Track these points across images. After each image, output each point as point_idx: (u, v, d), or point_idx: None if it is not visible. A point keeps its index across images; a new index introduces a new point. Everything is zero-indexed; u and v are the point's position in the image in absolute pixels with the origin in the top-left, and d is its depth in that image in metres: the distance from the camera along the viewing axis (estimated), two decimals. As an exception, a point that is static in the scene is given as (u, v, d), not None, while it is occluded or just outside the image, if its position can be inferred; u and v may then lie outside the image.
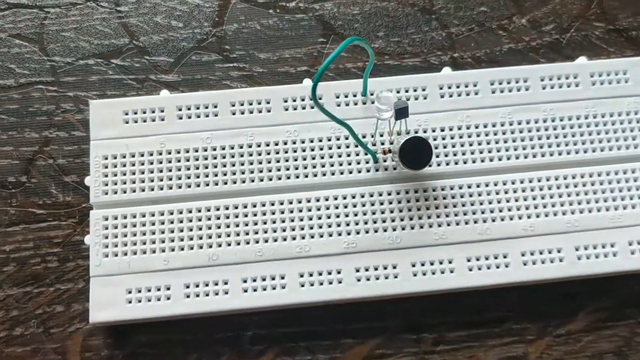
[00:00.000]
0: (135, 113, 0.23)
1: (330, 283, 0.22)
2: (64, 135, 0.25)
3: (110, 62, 0.25)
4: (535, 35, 0.26)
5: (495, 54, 0.26)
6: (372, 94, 0.24)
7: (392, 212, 0.23)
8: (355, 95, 0.24)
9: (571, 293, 0.23)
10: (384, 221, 0.23)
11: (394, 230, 0.22)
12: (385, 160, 0.23)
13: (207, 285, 0.22)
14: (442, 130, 0.23)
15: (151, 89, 0.25)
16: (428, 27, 0.26)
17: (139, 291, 0.22)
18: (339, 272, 0.22)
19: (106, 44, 0.26)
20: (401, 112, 0.21)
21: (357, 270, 0.22)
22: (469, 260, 0.22)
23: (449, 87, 0.24)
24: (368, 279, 0.22)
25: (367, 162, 0.23)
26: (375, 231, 0.22)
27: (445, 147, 0.23)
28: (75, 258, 0.23)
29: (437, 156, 0.23)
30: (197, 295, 0.22)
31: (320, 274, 0.22)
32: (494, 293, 0.23)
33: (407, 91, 0.24)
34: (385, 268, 0.22)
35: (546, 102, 0.24)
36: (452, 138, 0.23)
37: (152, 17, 0.26)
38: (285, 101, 0.24)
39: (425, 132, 0.23)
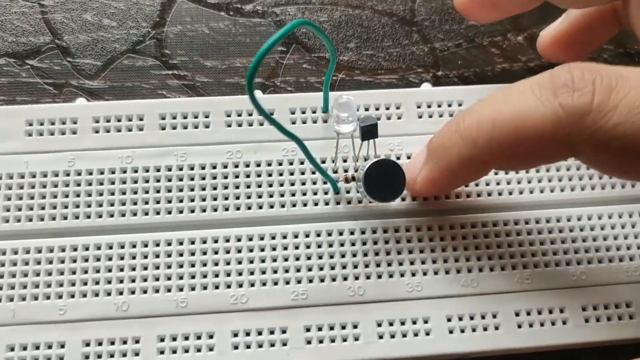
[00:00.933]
0: (42, 124, 0.19)
1: (272, 345, 0.17)
2: (-41, 147, 0.20)
3: (25, 63, 0.21)
4: (533, 55, 0.22)
5: (487, 74, 0.22)
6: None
7: (354, 255, 0.18)
8: (314, 112, 0.20)
9: (576, 365, 0.19)
10: (344, 267, 0.18)
11: (357, 278, 0.18)
12: (348, 191, 0.19)
13: (112, 343, 0.17)
14: (420, 156, 0.19)
15: (71, 96, 0.21)
16: (408, 40, 0.22)
17: (24, 348, 0.17)
18: (284, 332, 0.17)
19: (23, 41, 0.21)
20: (369, 131, 0.17)
21: (308, 330, 0.17)
22: (449, 320, 0.18)
23: (429, 106, 0.20)
24: (321, 341, 0.17)
25: (326, 193, 0.19)
26: (333, 279, 0.18)
27: (422, 177, 0.19)
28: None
29: (413, 188, 0.19)
30: (99, 357, 0.17)
31: (259, 333, 0.17)
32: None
33: (377, 109, 0.20)
34: (343, 327, 0.17)
35: (545, 127, 0.20)
36: (431, 166, 0.19)
37: (80, 13, 0.22)
38: (228, 115, 0.19)
39: (398, 158, 0.19)
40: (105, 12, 0.22)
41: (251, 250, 0.18)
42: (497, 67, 0.22)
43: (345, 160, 0.19)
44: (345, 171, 0.19)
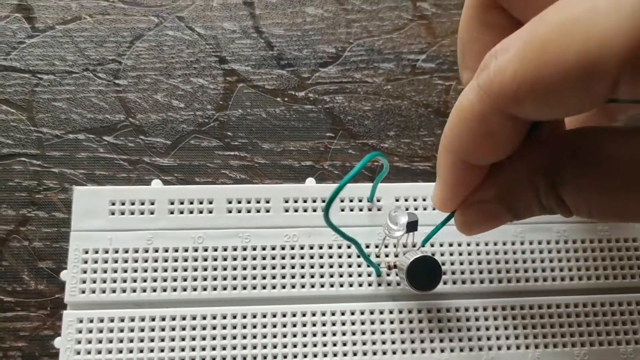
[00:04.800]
0: (123, 204, 0.21)
1: (321, 410, 0.19)
2: (44, 215, 0.22)
3: (102, 139, 0.23)
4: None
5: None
6: (378, 200, 0.21)
7: (392, 332, 0.20)
8: (361, 200, 0.21)
9: None
10: (383, 343, 0.20)
11: (394, 353, 0.20)
12: (388, 274, 0.21)
13: (185, 406, 0.19)
14: (451, 245, 0.21)
15: (144, 172, 0.23)
16: (441, 130, 0.24)
17: (110, 408, 0.19)
18: (331, 399, 0.19)
19: (100, 118, 0.23)
20: (410, 226, 0.19)
21: (352, 401, 0.19)
22: (472, 392, 0.20)
23: (460, 199, 0.22)
24: (362, 407, 0.19)
25: (370, 275, 0.21)
26: (374, 353, 0.20)
27: (452, 263, 0.21)
28: (42, 355, 0.20)
29: (445, 273, 0.21)
30: (174, 417, 0.19)
31: (311, 399, 0.19)
32: None
33: (415, 200, 0.22)
34: (383, 399, 0.19)
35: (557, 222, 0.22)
36: (460, 254, 0.21)
37: (152, 94, 0.24)
38: (286, 201, 0.21)
39: (432, 245, 0.21)
40: (174, 94, 0.24)
41: (304, 325, 0.20)
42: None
43: (386, 246, 0.21)
44: (387, 256, 0.21)
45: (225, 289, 0.20)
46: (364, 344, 0.20)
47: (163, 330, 0.19)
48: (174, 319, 0.20)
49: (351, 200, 0.21)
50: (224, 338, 0.20)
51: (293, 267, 0.20)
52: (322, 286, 0.20)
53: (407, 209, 0.21)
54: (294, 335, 0.20)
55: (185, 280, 0.20)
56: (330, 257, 0.21)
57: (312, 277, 0.20)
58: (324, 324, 0.20)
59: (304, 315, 0.20)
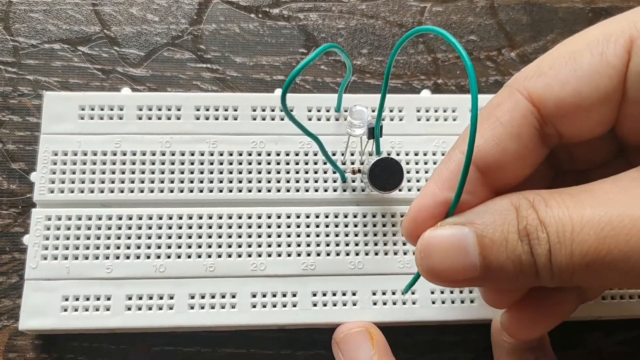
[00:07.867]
0: (93, 109, 0.19)
1: (285, 306, 0.18)
2: (18, 119, 0.20)
3: (77, 49, 0.21)
4: (522, 70, 0.23)
5: (480, 84, 0.22)
6: (346, 111, 0.20)
7: (356, 235, 0.19)
8: (328, 110, 0.20)
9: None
10: (347, 244, 0.19)
11: (357, 254, 0.19)
12: (353, 180, 0.19)
13: (151, 298, 0.18)
14: (416, 154, 0.20)
15: (116, 81, 0.21)
16: (414, 49, 0.22)
17: (77, 299, 0.18)
18: (294, 295, 0.18)
19: (75, 30, 0.22)
20: (375, 132, 0.18)
21: (314, 295, 0.18)
22: (433, 293, 0.19)
23: (427, 111, 0.20)
24: (325, 305, 0.18)
25: (335, 181, 0.19)
26: (337, 254, 0.19)
27: (417, 172, 0.20)
28: (12, 250, 0.19)
29: (409, 180, 0.20)
30: (140, 309, 0.18)
31: (274, 296, 0.18)
32: (447, 330, 0.19)
33: (383, 111, 0.20)
34: (344, 294, 0.18)
35: (525, 134, 0.20)
36: (425, 163, 0.20)
37: (127, 7, 0.22)
38: (254, 110, 0.20)
39: (398, 154, 0.20)
40: (149, 8, 0.22)
41: (269, 227, 0.19)
42: (491, 79, 0.22)
43: (352, 154, 0.20)
44: (352, 163, 0.20)
45: (191, 191, 0.19)
46: (328, 245, 0.19)
47: (129, 228, 0.18)
48: (140, 218, 0.18)
49: (319, 110, 0.20)
50: (190, 237, 0.18)
51: (260, 172, 0.19)
52: (288, 190, 0.19)
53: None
54: (259, 236, 0.19)
55: (152, 182, 0.19)
56: (297, 163, 0.19)
57: (279, 182, 0.19)
58: (288, 226, 0.19)
59: (269, 217, 0.19)
